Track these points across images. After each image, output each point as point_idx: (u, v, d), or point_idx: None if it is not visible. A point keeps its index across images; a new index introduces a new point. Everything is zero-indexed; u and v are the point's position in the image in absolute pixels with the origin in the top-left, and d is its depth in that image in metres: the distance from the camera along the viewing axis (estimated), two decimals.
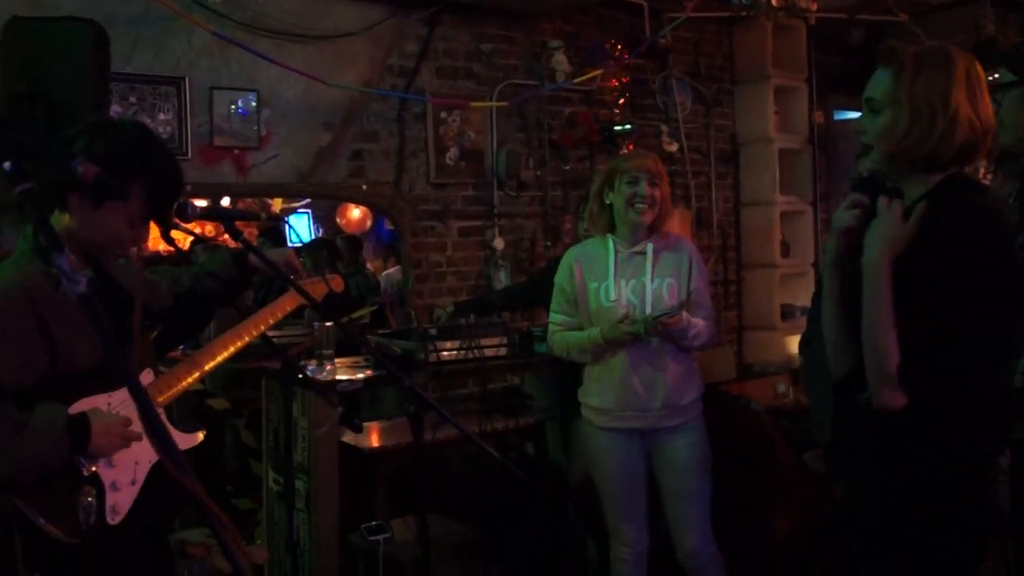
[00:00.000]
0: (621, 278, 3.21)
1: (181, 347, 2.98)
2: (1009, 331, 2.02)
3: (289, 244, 8.20)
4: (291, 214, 9.00)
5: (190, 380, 2.21)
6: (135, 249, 2.21)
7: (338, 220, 8.84)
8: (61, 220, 2.01)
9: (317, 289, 2.51)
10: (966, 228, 1.95)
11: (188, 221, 2.24)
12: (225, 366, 3.86)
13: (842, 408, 2.19)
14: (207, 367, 2.25)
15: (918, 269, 1.95)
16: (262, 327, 2.37)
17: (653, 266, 3.21)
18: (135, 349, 2.14)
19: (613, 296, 3.21)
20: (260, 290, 5.15)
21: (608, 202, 3.28)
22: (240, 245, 2.33)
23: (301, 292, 2.24)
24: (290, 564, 3.38)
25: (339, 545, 3.62)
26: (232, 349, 2.29)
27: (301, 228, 9.26)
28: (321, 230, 9.35)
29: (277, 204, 8.50)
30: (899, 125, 1.98)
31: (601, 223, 3.31)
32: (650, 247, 3.22)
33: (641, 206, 3.20)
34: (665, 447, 3.22)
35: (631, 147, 5.67)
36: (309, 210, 9.25)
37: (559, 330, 3.35)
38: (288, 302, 2.47)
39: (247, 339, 2.33)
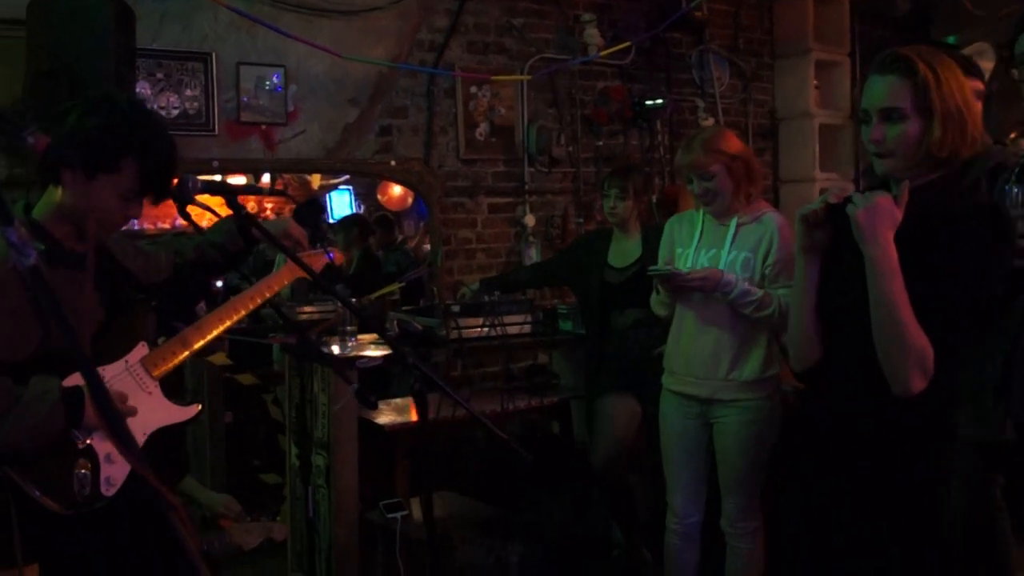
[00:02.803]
0: (702, 248, 3.22)
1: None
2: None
3: (328, 219, 8.28)
4: (331, 191, 9.02)
5: (187, 352, 2.20)
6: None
7: (379, 197, 8.82)
8: (54, 195, 2.02)
9: (317, 260, 2.50)
10: (983, 216, 2.02)
11: (190, 196, 2.24)
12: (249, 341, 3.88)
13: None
14: (205, 339, 2.24)
15: (932, 258, 1.99)
16: (259, 300, 2.36)
17: (733, 239, 3.17)
18: (133, 322, 2.14)
19: (690, 264, 3.21)
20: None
21: None
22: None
23: (299, 263, 2.22)
24: (307, 540, 3.39)
25: (359, 521, 3.62)
26: (228, 322, 2.28)
27: (342, 205, 9.27)
28: (363, 207, 9.36)
29: (316, 180, 8.53)
30: (933, 132, 2.00)
31: (696, 201, 3.31)
32: (734, 221, 3.18)
33: (704, 200, 3.21)
34: (721, 419, 3.19)
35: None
36: (350, 187, 9.25)
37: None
38: (286, 274, 2.45)
39: (243, 312, 2.32)
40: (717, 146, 3.17)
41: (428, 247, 7.91)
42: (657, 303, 3.37)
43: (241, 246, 2.45)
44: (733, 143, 3.20)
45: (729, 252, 3.16)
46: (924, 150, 2.03)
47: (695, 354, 3.21)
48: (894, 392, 1.99)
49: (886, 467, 2.08)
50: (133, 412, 2.06)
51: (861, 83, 6.21)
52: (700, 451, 3.27)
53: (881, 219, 1.99)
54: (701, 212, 3.29)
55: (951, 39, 6.52)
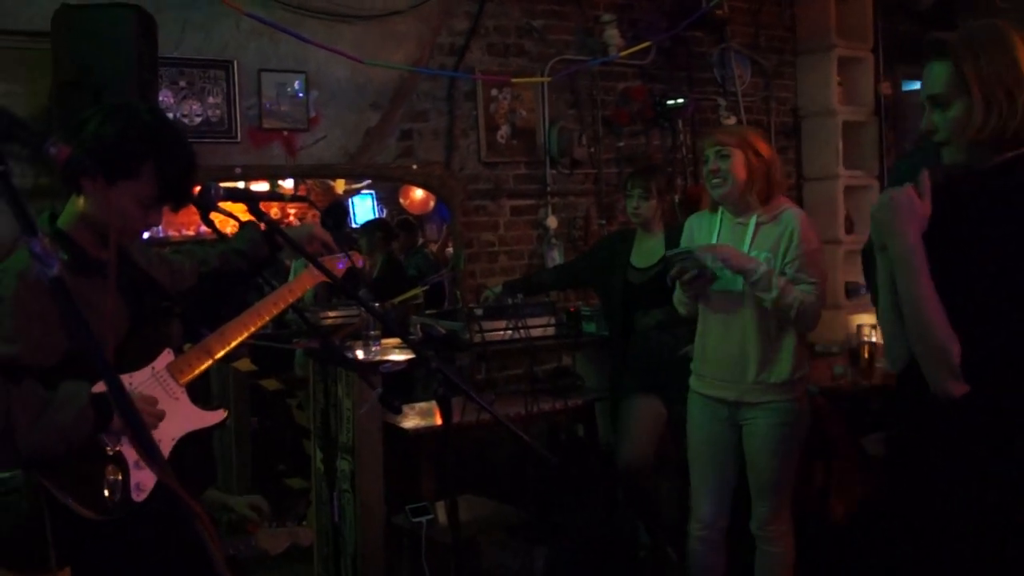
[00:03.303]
0: None
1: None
2: None
3: (351, 224, 8.33)
4: (354, 195, 9.06)
5: (212, 359, 2.21)
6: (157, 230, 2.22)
7: (401, 201, 8.83)
8: (76, 203, 2.04)
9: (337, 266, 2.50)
10: None
11: (213, 203, 2.25)
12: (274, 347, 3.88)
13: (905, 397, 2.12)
14: (229, 346, 2.25)
15: (984, 249, 1.89)
16: (281, 305, 2.37)
17: (752, 239, 3.13)
18: (159, 329, 2.16)
19: (708, 265, 3.14)
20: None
21: None
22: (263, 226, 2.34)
23: (321, 269, 2.23)
24: (333, 544, 3.40)
25: (384, 526, 3.63)
26: (252, 328, 2.28)
27: (365, 209, 9.30)
28: (385, 211, 9.38)
29: (339, 185, 8.56)
30: (975, 113, 1.90)
31: (709, 198, 3.28)
32: (753, 219, 3.13)
33: (714, 180, 3.15)
34: (750, 422, 3.17)
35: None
36: (373, 191, 9.28)
37: None
38: (307, 279, 2.46)
39: (267, 318, 2.33)
40: (748, 137, 3.16)
41: (451, 250, 7.95)
42: (678, 300, 3.34)
43: (266, 252, 2.47)
44: (764, 144, 3.19)
45: (748, 252, 3.13)
46: (976, 133, 1.91)
47: (722, 357, 3.18)
48: (933, 392, 1.91)
49: (995, 463, 1.94)
50: (162, 415, 2.07)
51: (888, 79, 6.18)
52: (729, 455, 3.23)
53: (899, 214, 1.92)
54: (720, 211, 3.25)
55: None
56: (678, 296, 3.32)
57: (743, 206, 3.14)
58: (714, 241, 3.22)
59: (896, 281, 1.94)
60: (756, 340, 3.11)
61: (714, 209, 3.28)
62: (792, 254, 3.08)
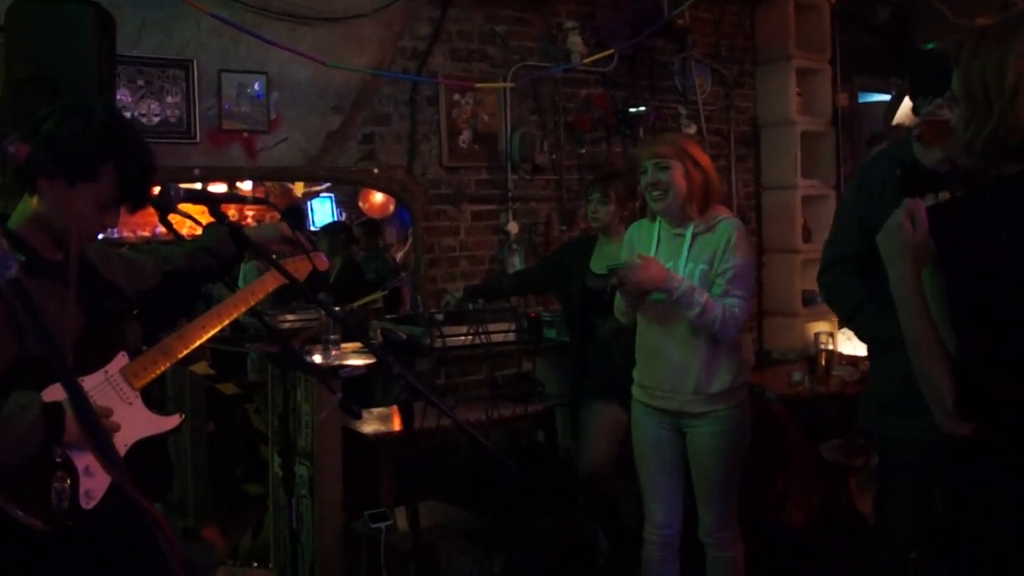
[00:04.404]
0: (659, 258, 3.13)
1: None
2: None
3: (310, 226, 8.27)
4: (313, 198, 8.99)
5: (170, 362, 2.17)
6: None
7: (361, 204, 8.77)
8: (29, 204, 1.98)
9: (301, 268, 2.47)
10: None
11: (172, 205, 2.21)
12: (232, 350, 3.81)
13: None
14: (188, 348, 2.21)
15: (977, 278, 1.72)
16: (243, 307, 2.33)
17: (690, 250, 3.11)
18: (114, 332, 2.11)
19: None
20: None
21: None
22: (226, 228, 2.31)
23: (282, 271, 2.20)
24: (291, 550, 3.36)
25: (343, 532, 3.59)
26: (212, 330, 2.24)
27: (324, 212, 9.23)
28: (344, 214, 9.32)
29: (298, 188, 8.50)
30: (962, 116, 1.73)
31: (648, 208, 3.24)
32: (690, 230, 3.11)
33: (654, 193, 3.13)
34: (692, 430, 3.17)
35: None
36: (332, 194, 9.22)
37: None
38: (270, 281, 2.42)
39: (226, 320, 2.28)
40: (684, 147, 3.13)
41: (412, 254, 7.91)
42: (618, 310, 3.31)
43: (234, 251, 2.41)
44: (701, 153, 3.16)
45: (686, 264, 3.11)
46: (961, 136, 1.74)
47: (662, 368, 3.17)
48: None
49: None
50: (117, 428, 2.02)
51: (845, 90, 6.26)
52: (676, 460, 3.24)
53: (893, 244, 1.75)
54: (658, 221, 3.23)
55: (930, 45, 6.59)
56: (618, 305, 3.29)
57: (681, 217, 3.11)
58: (653, 251, 3.18)
59: (898, 313, 1.77)
60: (693, 350, 3.09)
61: (653, 218, 3.25)
62: (725, 265, 3.05)
